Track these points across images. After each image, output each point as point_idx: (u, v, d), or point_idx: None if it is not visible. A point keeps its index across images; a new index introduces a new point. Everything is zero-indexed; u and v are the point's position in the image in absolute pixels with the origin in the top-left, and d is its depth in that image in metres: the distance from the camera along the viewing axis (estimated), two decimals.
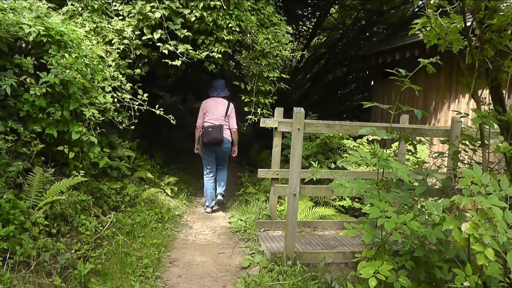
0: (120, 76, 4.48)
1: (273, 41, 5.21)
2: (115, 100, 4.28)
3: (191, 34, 4.80)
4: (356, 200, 5.30)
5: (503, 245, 2.05)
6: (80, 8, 4.60)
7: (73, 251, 3.18)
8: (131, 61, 4.75)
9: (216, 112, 5.17)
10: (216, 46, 4.87)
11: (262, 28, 5.35)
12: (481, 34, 2.71)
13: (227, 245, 4.28)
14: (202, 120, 5.22)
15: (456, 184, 2.93)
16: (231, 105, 5.27)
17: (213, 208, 5.51)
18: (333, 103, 14.59)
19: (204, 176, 5.40)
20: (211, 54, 4.86)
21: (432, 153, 3.70)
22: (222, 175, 5.53)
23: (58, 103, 3.62)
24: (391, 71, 2.79)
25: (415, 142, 3.49)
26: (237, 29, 4.87)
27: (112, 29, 4.58)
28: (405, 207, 2.92)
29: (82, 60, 3.81)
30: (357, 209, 5.22)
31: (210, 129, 5.07)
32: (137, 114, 4.45)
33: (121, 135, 5.10)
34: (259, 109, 5.34)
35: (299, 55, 9.76)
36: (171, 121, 4.49)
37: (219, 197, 5.50)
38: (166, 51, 4.70)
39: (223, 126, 5.14)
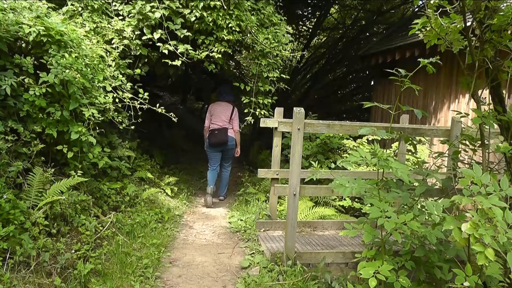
0: (120, 76, 4.48)
1: (273, 41, 5.21)
2: (116, 100, 4.27)
3: (191, 34, 4.80)
4: (356, 200, 5.30)
5: (503, 245, 2.05)
6: (80, 8, 4.60)
7: (73, 251, 3.18)
8: (131, 61, 4.75)
9: (221, 115, 5.70)
10: (216, 46, 4.87)
11: (262, 28, 5.35)
12: (481, 34, 2.71)
13: (227, 245, 4.28)
14: (209, 122, 5.75)
15: (456, 184, 2.93)
16: (235, 109, 5.80)
17: (212, 189, 5.82)
18: (333, 103, 14.60)
19: (209, 168, 5.92)
20: (211, 54, 4.86)
21: (432, 153, 3.70)
22: (224, 175, 6.06)
23: (58, 103, 3.62)
24: (391, 71, 2.78)
25: (415, 142, 3.49)
26: (237, 29, 4.86)
27: (112, 29, 4.57)
28: (405, 207, 2.92)
29: (82, 60, 3.81)
30: (357, 209, 5.22)
31: (216, 131, 5.62)
32: (138, 113, 4.45)
33: (121, 135, 5.10)
34: (258, 109, 5.34)
35: (299, 55, 9.76)
36: (173, 119, 4.48)
37: (221, 197, 6.16)
38: (166, 51, 4.70)
39: (227, 128, 5.67)
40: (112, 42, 4.56)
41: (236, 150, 5.86)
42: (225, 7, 4.75)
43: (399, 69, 2.70)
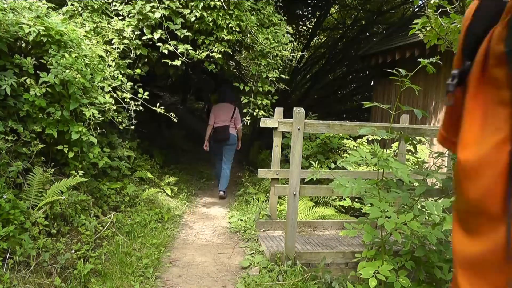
0: (120, 76, 4.47)
1: (273, 41, 5.20)
2: (112, 102, 4.26)
3: (191, 34, 4.79)
4: (356, 200, 5.30)
5: None
6: (80, 8, 4.60)
7: (73, 251, 3.18)
8: (131, 61, 4.75)
9: (224, 114, 6.26)
10: (216, 46, 4.87)
11: (262, 28, 5.34)
12: None
13: (227, 245, 4.28)
14: (213, 120, 6.29)
15: None
16: (237, 109, 6.35)
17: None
18: (333, 103, 14.60)
19: (216, 164, 6.63)
20: (211, 54, 4.85)
21: (432, 153, 3.70)
22: (225, 172, 6.35)
23: (58, 103, 3.62)
24: (391, 71, 2.79)
25: (415, 142, 3.49)
26: (237, 29, 4.86)
27: (112, 29, 4.57)
28: (405, 207, 2.92)
29: (82, 60, 3.81)
30: (357, 209, 5.22)
31: (219, 129, 6.21)
32: (136, 114, 4.45)
33: (121, 135, 5.10)
34: (257, 110, 5.34)
35: (299, 55, 9.76)
36: (173, 119, 4.48)
37: (221, 193, 6.40)
38: (166, 51, 4.70)
39: (229, 126, 6.23)
40: (112, 42, 4.56)
41: (238, 144, 6.44)
42: (225, 7, 4.75)
43: (399, 69, 2.70)
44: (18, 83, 3.36)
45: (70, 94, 3.61)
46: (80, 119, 3.82)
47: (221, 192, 6.37)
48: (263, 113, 5.34)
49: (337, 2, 11.82)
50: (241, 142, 6.58)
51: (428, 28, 2.93)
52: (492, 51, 0.45)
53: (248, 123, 5.34)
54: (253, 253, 3.99)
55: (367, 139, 5.97)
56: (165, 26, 4.61)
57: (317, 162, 4.16)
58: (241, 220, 4.96)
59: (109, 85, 4.23)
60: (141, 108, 4.43)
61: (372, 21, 12.25)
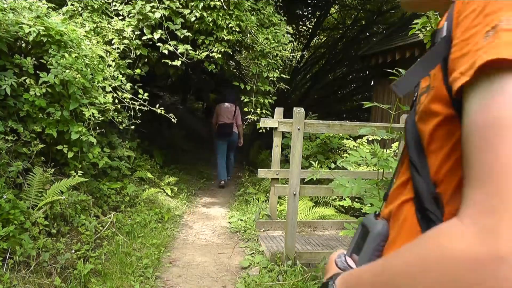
0: (120, 76, 4.47)
1: (273, 41, 5.20)
2: (116, 100, 4.27)
3: (191, 34, 4.79)
4: (356, 200, 5.30)
5: None
6: (80, 8, 4.60)
7: (73, 251, 3.18)
8: (131, 61, 4.75)
9: (226, 113, 6.89)
10: (216, 46, 4.87)
11: (262, 28, 5.35)
12: None
13: (227, 245, 4.28)
14: (216, 119, 6.98)
15: None
16: (238, 108, 6.95)
17: (224, 184, 7.12)
18: (333, 103, 14.60)
19: (218, 160, 7.06)
20: (211, 54, 4.85)
21: None
22: (230, 162, 7.17)
23: (58, 103, 3.62)
24: (391, 71, 2.78)
25: None
26: (237, 29, 4.86)
27: (112, 29, 4.57)
28: None
29: (82, 60, 3.80)
30: (357, 209, 5.22)
31: (223, 126, 6.86)
32: (138, 114, 4.45)
33: (121, 135, 5.10)
34: (258, 109, 5.34)
35: (299, 55, 9.77)
36: (172, 119, 4.48)
37: (226, 179, 7.20)
38: (166, 51, 4.70)
39: (232, 123, 6.89)
40: (112, 42, 4.56)
41: (239, 141, 7.10)
42: (225, 7, 4.75)
43: (399, 69, 2.70)
44: (18, 83, 3.36)
45: (70, 94, 3.61)
46: (80, 119, 3.82)
47: (227, 179, 7.13)
48: (265, 111, 5.35)
49: (337, 2, 11.82)
50: (242, 139, 7.17)
51: (428, 28, 2.92)
52: None
53: (256, 119, 5.32)
54: (253, 253, 3.99)
55: (367, 139, 5.97)
56: (165, 26, 4.61)
57: (317, 162, 4.16)
58: (241, 220, 4.96)
59: (110, 85, 4.23)
60: (143, 108, 4.43)
61: (372, 21, 12.24)
